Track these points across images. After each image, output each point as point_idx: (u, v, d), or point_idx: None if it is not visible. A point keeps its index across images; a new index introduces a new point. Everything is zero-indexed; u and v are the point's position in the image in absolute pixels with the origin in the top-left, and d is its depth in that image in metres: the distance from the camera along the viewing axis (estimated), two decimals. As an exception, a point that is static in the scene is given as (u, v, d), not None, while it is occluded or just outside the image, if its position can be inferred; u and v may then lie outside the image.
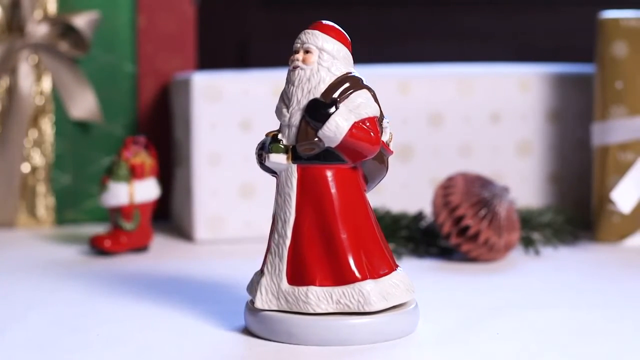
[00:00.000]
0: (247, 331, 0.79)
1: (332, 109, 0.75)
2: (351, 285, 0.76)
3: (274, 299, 0.77)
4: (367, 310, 0.76)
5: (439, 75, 1.24)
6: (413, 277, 0.80)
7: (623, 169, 1.16)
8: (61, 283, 0.97)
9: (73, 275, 1.00)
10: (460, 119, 1.24)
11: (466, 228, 1.04)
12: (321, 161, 0.76)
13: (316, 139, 0.76)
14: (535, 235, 1.13)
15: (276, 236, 0.77)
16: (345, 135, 0.75)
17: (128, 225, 1.11)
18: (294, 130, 0.76)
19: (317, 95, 0.76)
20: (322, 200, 0.76)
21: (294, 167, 0.77)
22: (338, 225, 0.76)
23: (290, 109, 0.77)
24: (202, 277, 0.99)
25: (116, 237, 1.11)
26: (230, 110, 1.18)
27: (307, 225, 0.77)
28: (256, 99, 1.19)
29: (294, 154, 0.77)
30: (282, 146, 0.77)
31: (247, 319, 0.79)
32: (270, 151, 0.77)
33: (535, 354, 0.74)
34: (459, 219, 1.05)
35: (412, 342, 0.77)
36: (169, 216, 1.31)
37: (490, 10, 1.56)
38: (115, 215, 1.11)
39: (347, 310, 0.76)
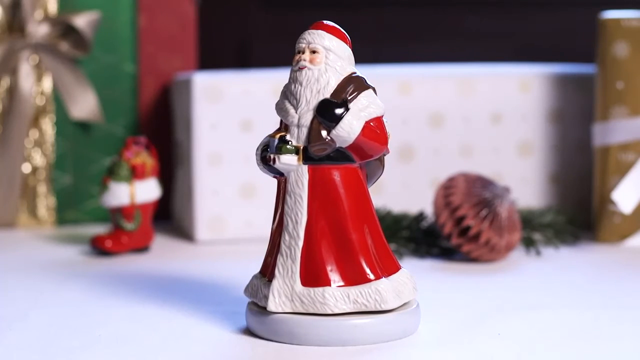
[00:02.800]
0: (248, 331, 0.79)
1: (345, 109, 0.75)
2: (367, 285, 0.76)
3: (288, 301, 0.76)
4: (384, 308, 0.76)
5: (439, 75, 1.24)
6: (414, 278, 0.80)
7: (624, 170, 1.16)
8: (62, 283, 0.97)
9: (74, 276, 1.00)
10: (461, 119, 1.24)
11: (467, 228, 1.04)
12: (332, 161, 0.76)
13: (328, 139, 0.76)
14: (536, 236, 1.13)
15: (287, 238, 0.77)
16: (358, 135, 0.75)
17: (129, 225, 1.11)
18: (304, 130, 0.76)
19: (327, 95, 0.76)
20: (334, 201, 0.76)
21: (305, 167, 0.76)
22: (351, 225, 0.76)
23: (299, 109, 0.76)
24: (203, 277, 0.99)
25: (117, 237, 1.11)
26: (231, 111, 1.18)
27: (320, 226, 0.76)
28: (257, 99, 1.19)
29: (305, 155, 0.76)
30: (293, 147, 0.77)
31: (249, 319, 0.79)
32: (280, 152, 0.77)
33: (536, 354, 0.74)
34: (460, 220, 1.05)
35: (413, 342, 0.77)
36: (170, 216, 1.31)
37: (490, 10, 1.56)
38: (116, 215, 1.11)
39: (363, 309, 0.76)
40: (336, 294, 0.76)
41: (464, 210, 1.04)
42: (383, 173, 0.80)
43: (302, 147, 0.76)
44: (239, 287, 0.91)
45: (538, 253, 1.10)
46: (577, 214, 1.19)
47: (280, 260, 0.77)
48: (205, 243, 1.18)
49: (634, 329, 0.80)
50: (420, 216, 1.11)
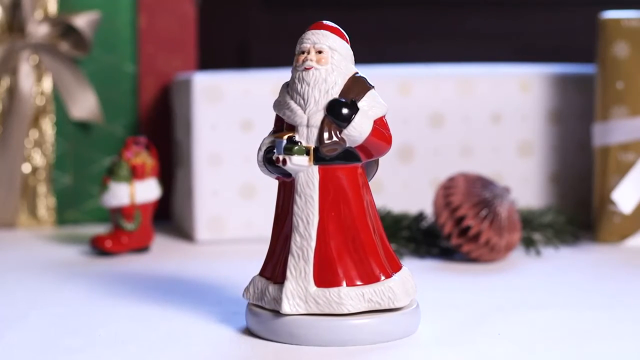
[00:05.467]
0: (248, 331, 0.79)
1: (355, 109, 0.75)
2: (381, 283, 0.76)
3: (302, 302, 0.76)
4: (397, 306, 0.76)
5: (439, 75, 1.24)
6: (414, 277, 0.80)
7: (624, 170, 1.16)
8: (62, 283, 0.97)
9: (74, 276, 1.00)
10: (461, 119, 1.24)
11: (467, 228, 1.04)
12: (341, 161, 0.76)
13: (339, 139, 0.75)
14: (536, 236, 1.13)
15: (298, 239, 0.77)
16: (369, 135, 0.75)
17: (129, 225, 1.11)
18: (314, 131, 0.76)
19: (335, 95, 0.76)
20: (343, 200, 0.76)
21: (316, 168, 0.76)
22: (359, 225, 0.77)
23: (308, 109, 0.76)
24: (203, 277, 0.99)
25: (117, 237, 1.11)
26: (231, 111, 1.18)
27: (330, 226, 0.76)
28: (257, 99, 1.19)
29: (315, 155, 0.76)
30: (303, 148, 0.76)
31: (249, 320, 0.79)
32: (291, 153, 0.76)
33: (536, 354, 0.74)
34: (460, 220, 1.05)
35: (413, 342, 0.77)
36: (170, 216, 1.31)
37: (490, 10, 1.56)
38: (116, 215, 1.11)
39: (377, 307, 0.76)
40: (351, 293, 0.76)
41: (464, 210, 1.04)
42: (377, 171, 0.81)
43: (312, 148, 0.76)
44: (239, 287, 0.91)
45: (538, 253, 1.10)
46: (577, 214, 1.19)
47: (291, 261, 0.77)
48: (205, 243, 1.18)
49: (634, 329, 0.80)
50: (420, 216, 1.11)
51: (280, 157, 0.76)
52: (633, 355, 0.74)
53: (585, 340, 0.77)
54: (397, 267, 0.79)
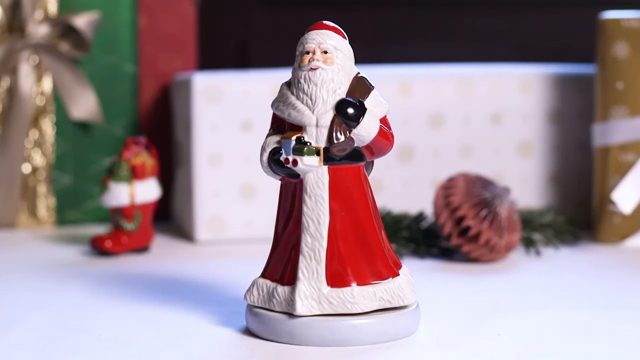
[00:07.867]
0: (248, 332, 0.79)
1: (363, 109, 0.75)
2: (390, 281, 0.77)
3: (315, 303, 0.76)
4: (406, 303, 0.77)
5: (439, 76, 1.24)
6: (414, 277, 0.80)
7: (624, 170, 1.16)
8: (62, 284, 0.97)
9: (74, 276, 1.00)
10: (461, 119, 1.24)
11: (467, 229, 1.04)
12: (348, 161, 0.76)
13: (345, 138, 0.75)
14: (536, 236, 1.13)
15: (309, 239, 0.76)
16: (376, 135, 0.76)
17: (129, 225, 1.11)
18: (323, 131, 0.76)
19: (342, 95, 0.76)
20: (350, 200, 0.76)
21: (325, 168, 0.76)
22: (367, 223, 0.77)
23: (316, 110, 0.76)
24: (203, 277, 0.99)
25: (117, 237, 1.11)
26: (231, 111, 1.18)
27: (340, 225, 0.76)
28: (257, 99, 1.19)
29: (325, 155, 0.76)
30: (314, 148, 0.76)
31: (249, 319, 0.79)
32: (301, 154, 0.76)
33: (536, 354, 0.74)
34: (460, 220, 1.05)
35: (413, 342, 0.77)
36: (170, 217, 1.31)
37: (490, 10, 1.56)
38: (116, 215, 1.11)
39: (387, 306, 0.77)
40: (363, 292, 0.76)
41: (464, 210, 1.04)
42: (372, 170, 0.81)
43: (322, 148, 0.76)
44: (239, 287, 0.91)
45: (538, 253, 1.10)
46: (576, 214, 1.19)
47: (303, 262, 0.76)
48: (205, 243, 1.18)
49: (634, 329, 0.80)
50: (420, 216, 1.11)
51: (290, 158, 0.76)
52: (633, 355, 0.74)
53: (585, 340, 0.77)
54: (399, 266, 0.79)
